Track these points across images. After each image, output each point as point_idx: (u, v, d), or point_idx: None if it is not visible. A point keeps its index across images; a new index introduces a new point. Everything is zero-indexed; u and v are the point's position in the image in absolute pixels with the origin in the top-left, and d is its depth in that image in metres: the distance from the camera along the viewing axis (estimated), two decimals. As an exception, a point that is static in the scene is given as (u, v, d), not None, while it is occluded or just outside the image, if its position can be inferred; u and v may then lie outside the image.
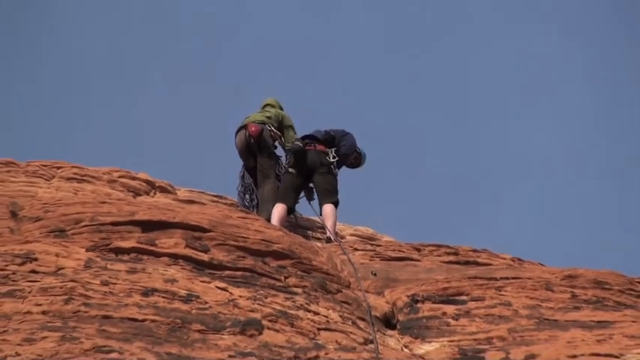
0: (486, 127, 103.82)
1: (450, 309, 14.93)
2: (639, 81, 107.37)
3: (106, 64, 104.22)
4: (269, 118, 20.93)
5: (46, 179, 20.07)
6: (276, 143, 21.11)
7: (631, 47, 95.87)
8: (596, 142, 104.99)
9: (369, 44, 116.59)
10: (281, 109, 21.36)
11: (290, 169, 20.17)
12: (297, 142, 20.21)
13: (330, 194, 19.76)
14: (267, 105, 21.46)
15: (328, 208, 19.42)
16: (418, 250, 19.38)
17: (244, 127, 20.96)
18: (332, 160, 20.22)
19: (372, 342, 13.44)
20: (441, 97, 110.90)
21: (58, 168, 20.70)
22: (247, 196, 21.37)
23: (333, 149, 20.34)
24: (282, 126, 21.03)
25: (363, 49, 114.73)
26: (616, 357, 13.32)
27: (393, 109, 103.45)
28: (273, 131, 20.66)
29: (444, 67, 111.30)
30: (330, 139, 20.51)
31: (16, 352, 12.15)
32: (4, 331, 12.59)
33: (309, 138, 20.36)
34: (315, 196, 20.67)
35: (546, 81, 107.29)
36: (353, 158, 21.40)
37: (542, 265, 18.21)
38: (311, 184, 20.53)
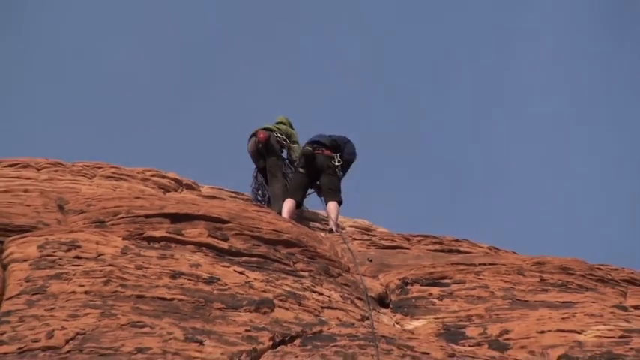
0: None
1: (435, 290, 14.97)
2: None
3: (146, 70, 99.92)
4: (278, 128, 21.01)
5: (88, 178, 20.05)
6: (283, 150, 21.18)
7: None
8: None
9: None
10: (291, 126, 21.41)
11: (300, 170, 20.20)
12: (307, 147, 20.27)
13: (335, 194, 19.83)
14: (280, 122, 21.52)
15: (332, 204, 19.48)
16: (408, 239, 19.37)
17: (255, 134, 21.11)
18: (337, 164, 20.28)
19: (368, 318, 13.44)
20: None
21: (99, 168, 20.68)
22: (260, 192, 21.40)
23: (338, 154, 20.38)
24: (290, 141, 21.12)
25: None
26: (578, 332, 13.34)
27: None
28: (280, 137, 20.71)
29: (435, 66, 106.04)
30: (336, 145, 20.57)
31: (62, 326, 12.16)
32: (52, 308, 12.59)
33: (317, 143, 20.40)
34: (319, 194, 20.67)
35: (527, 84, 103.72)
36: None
37: (515, 253, 18.19)
38: (317, 183, 20.53)
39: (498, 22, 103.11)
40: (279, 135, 20.65)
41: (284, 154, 21.52)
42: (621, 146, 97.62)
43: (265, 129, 20.84)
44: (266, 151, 20.42)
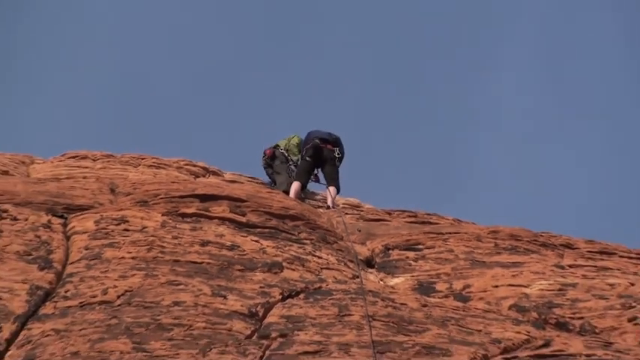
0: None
1: (411, 254, 14.97)
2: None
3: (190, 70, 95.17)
4: (286, 144, 21.13)
5: (134, 166, 20.03)
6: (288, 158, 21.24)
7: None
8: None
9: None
10: (296, 144, 21.40)
11: (307, 158, 20.22)
12: (316, 141, 20.34)
13: (335, 181, 19.88)
14: (288, 138, 21.58)
15: (332, 188, 19.51)
16: (389, 213, 19.33)
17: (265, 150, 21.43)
18: (337, 156, 20.36)
19: (358, 277, 13.44)
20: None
21: (142, 159, 20.64)
22: (269, 176, 21.46)
23: (337, 149, 20.44)
24: (289, 153, 21.22)
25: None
26: (525, 286, 13.36)
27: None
28: (282, 150, 20.83)
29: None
30: (336, 141, 20.64)
31: (114, 285, 12.19)
32: (106, 271, 12.60)
33: (323, 140, 20.47)
34: (321, 181, 20.66)
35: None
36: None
37: (474, 224, 18.16)
38: (320, 173, 20.55)
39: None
40: (283, 151, 20.77)
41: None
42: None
43: (274, 146, 21.04)
44: (271, 160, 20.58)
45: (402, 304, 12.52)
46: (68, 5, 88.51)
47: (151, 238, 13.69)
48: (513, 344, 11.35)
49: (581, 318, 12.41)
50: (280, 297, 12.46)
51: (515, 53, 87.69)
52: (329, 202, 19.44)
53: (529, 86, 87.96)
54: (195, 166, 20.97)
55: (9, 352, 11.03)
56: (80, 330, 11.25)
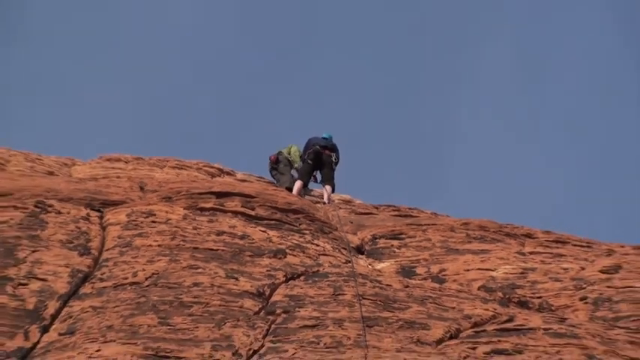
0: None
1: (395, 242, 14.95)
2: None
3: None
4: (288, 151, 21.08)
5: (160, 168, 20.04)
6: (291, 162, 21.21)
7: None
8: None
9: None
10: (297, 152, 21.34)
11: (309, 161, 20.22)
12: (317, 147, 20.34)
13: (331, 181, 19.88)
14: (289, 147, 21.50)
15: (328, 187, 19.53)
16: (376, 208, 19.34)
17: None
18: (334, 161, 20.38)
19: (349, 262, 13.40)
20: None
21: (167, 161, 20.65)
22: (274, 178, 21.44)
23: (334, 154, 20.45)
24: (291, 158, 21.18)
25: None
26: (492, 270, 13.34)
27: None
28: (287, 157, 20.78)
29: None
30: (333, 148, 20.64)
31: (143, 269, 12.16)
32: (136, 257, 12.57)
33: (323, 147, 20.47)
34: (320, 179, 20.64)
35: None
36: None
37: (449, 216, 18.15)
38: (319, 174, 20.52)
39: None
40: (287, 156, 20.76)
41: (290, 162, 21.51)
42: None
43: (277, 153, 21.01)
44: (275, 164, 20.55)
45: (387, 285, 12.50)
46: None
47: (174, 228, 13.67)
48: (482, 319, 11.32)
49: (540, 297, 12.39)
50: (284, 279, 12.45)
51: (492, 64, 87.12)
52: (325, 199, 19.42)
53: (506, 96, 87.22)
54: (212, 167, 20.95)
55: (53, 326, 11.00)
56: (114, 307, 11.23)
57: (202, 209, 14.85)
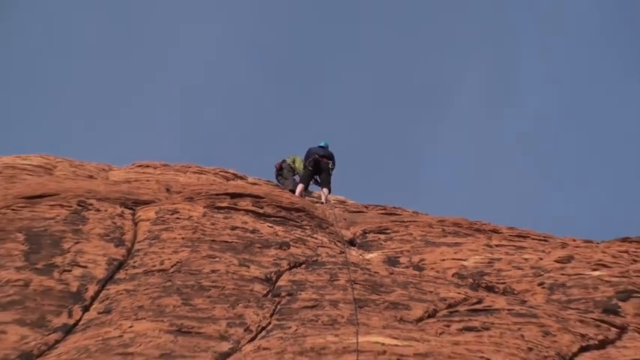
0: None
1: (382, 236, 15.00)
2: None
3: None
4: (291, 160, 21.03)
5: (183, 173, 20.08)
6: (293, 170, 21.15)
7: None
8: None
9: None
10: (300, 161, 21.23)
11: (309, 168, 20.24)
12: (316, 156, 20.36)
13: (327, 184, 19.89)
14: (292, 156, 21.43)
15: (325, 189, 19.56)
16: (366, 207, 19.39)
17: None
18: (331, 167, 20.38)
19: (343, 252, 13.44)
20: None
21: (189, 167, 20.69)
22: (280, 184, 21.42)
23: (330, 161, 20.46)
24: (295, 165, 21.14)
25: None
26: (464, 260, 13.35)
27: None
28: (290, 165, 20.76)
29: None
30: (329, 156, 20.65)
31: (168, 258, 12.20)
32: (162, 247, 12.62)
33: (321, 155, 20.49)
34: (317, 183, 20.67)
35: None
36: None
37: (427, 214, 18.19)
38: (318, 178, 20.52)
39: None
40: (290, 164, 20.74)
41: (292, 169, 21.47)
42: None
43: (282, 161, 20.98)
44: (280, 171, 20.54)
45: (375, 272, 12.52)
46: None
47: (195, 224, 13.71)
48: (455, 301, 11.35)
49: (504, 283, 12.43)
50: (288, 267, 12.48)
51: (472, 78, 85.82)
52: (323, 199, 19.47)
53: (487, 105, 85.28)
54: (227, 172, 21.01)
55: (93, 306, 11.05)
56: (144, 290, 11.27)
57: (219, 208, 14.89)
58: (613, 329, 10.83)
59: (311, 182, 20.57)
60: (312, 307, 11.00)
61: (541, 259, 13.34)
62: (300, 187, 19.83)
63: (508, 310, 11.04)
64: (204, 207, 14.74)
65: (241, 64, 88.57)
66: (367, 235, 15.21)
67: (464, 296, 11.59)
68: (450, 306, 11.21)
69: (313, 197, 20.10)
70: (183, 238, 13.06)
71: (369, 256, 14.00)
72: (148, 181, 17.85)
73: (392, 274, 12.54)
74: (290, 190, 19.02)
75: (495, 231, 15.73)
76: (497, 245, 14.34)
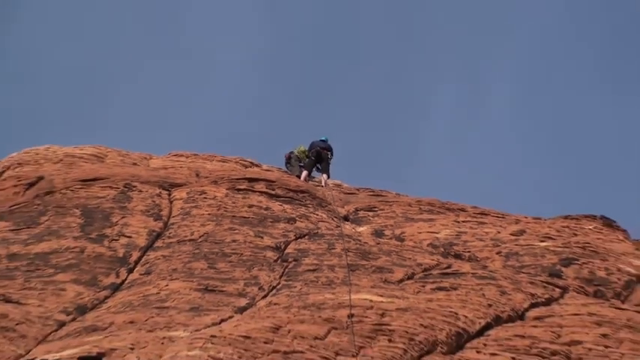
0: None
1: (370, 213, 14.93)
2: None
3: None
4: (298, 150, 20.75)
5: (209, 161, 19.90)
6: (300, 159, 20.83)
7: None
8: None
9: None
10: (303, 152, 20.94)
11: (312, 158, 20.07)
12: (318, 148, 20.19)
13: (327, 171, 19.70)
14: (300, 147, 21.17)
15: (325, 175, 19.38)
16: (358, 190, 19.26)
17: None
18: (330, 157, 20.22)
19: (339, 226, 13.41)
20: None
21: (215, 156, 20.44)
22: (289, 170, 21.26)
23: (329, 152, 20.30)
24: (302, 156, 20.81)
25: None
26: (437, 233, 13.30)
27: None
28: (297, 155, 20.53)
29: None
30: (329, 148, 20.49)
31: (197, 229, 12.21)
32: (192, 221, 12.63)
33: (322, 147, 20.31)
34: (318, 170, 20.55)
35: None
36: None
37: (407, 196, 18.10)
38: (319, 166, 20.34)
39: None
40: (298, 154, 20.52)
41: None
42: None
43: (290, 152, 20.75)
44: (288, 161, 20.34)
45: (364, 242, 12.51)
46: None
47: (219, 203, 13.69)
48: (429, 266, 11.34)
49: (469, 252, 12.40)
50: (294, 237, 12.46)
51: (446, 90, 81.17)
52: (323, 183, 19.39)
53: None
54: (245, 161, 20.87)
55: (136, 269, 11.04)
56: (177, 256, 11.26)
57: (238, 189, 14.85)
58: (557, 289, 10.82)
59: (313, 169, 20.50)
60: (314, 270, 11.00)
61: (499, 232, 13.32)
62: (304, 173, 19.75)
63: (472, 273, 11.02)
64: (226, 189, 14.72)
65: (254, 75, 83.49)
66: (358, 212, 15.16)
67: (436, 262, 11.58)
68: (425, 270, 11.20)
69: (315, 181, 20.05)
70: (209, 214, 13.05)
71: (359, 229, 13.96)
72: (181, 167, 17.82)
73: (378, 244, 12.53)
74: (296, 176, 18.95)
75: (462, 209, 15.68)
76: (463, 221, 14.31)
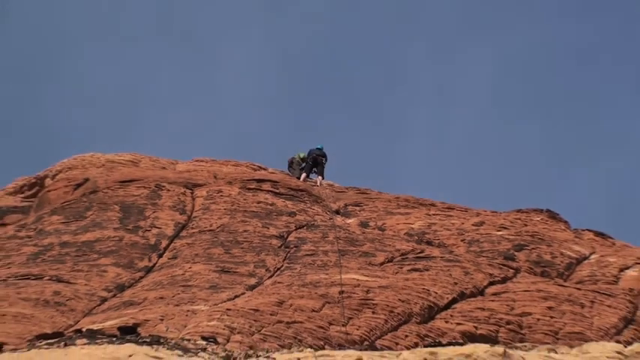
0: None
1: (357, 208, 14.75)
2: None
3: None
4: (298, 156, 20.44)
5: (225, 165, 19.56)
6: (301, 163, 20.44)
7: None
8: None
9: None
10: (302, 157, 20.65)
11: (310, 162, 19.83)
12: (315, 155, 19.91)
13: (322, 173, 19.37)
14: (300, 153, 20.87)
15: (320, 177, 19.03)
16: (347, 188, 19.05)
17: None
18: (324, 162, 19.93)
19: (331, 219, 13.35)
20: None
21: (229, 161, 20.08)
22: (291, 173, 20.99)
23: (324, 158, 20.03)
24: (301, 161, 20.47)
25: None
26: (412, 224, 13.12)
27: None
28: (297, 159, 20.24)
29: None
30: (324, 154, 20.23)
31: (215, 222, 12.12)
32: (211, 215, 12.52)
33: (319, 154, 20.07)
34: (314, 173, 20.36)
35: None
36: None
37: (388, 193, 17.98)
38: (315, 170, 20.11)
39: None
40: (299, 159, 20.25)
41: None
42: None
43: (292, 157, 20.49)
44: (290, 165, 20.06)
45: (352, 232, 12.45)
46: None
47: (233, 199, 13.56)
48: (406, 251, 11.30)
49: (439, 239, 12.33)
50: (295, 228, 12.37)
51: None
52: (318, 183, 19.25)
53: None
54: (254, 165, 20.68)
55: (165, 254, 10.99)
56: (199, 243, 11.21)
57: (249, 189, 14.69)
58: (510, 270, 10.83)
59: (311, 172, 20.38)
60: (311, 255, 10.98)
61: (463, 223, 13.27)
62: (303, 175, 19.59)
63: (441, 257, 11.01)
64: (239, 188, 14.60)
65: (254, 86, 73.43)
66: (347, 207, 15.05)
67: (412, 248, 11.55)
68: (402, 254, 11.18)
69: (312, 182, 20.00)
70: (225, 209, 12.97)
71: (348, 221, 13.87)
72: (201, 171, 17.68)
73: (364, 233, 12.48)
74: (297, 177, 18.85)
75: (433, 205, 15.57)
76: (433, 214, 14.23)
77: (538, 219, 13.47)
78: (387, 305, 8.88)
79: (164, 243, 11.36)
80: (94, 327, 7.60)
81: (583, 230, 13.22)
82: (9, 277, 9.89)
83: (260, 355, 5.93)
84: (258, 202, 13.65)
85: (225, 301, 8.82)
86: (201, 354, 6.35)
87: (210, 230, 11.84)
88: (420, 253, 11.26)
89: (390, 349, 7.82)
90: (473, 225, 13.00)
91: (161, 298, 9.08)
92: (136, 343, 6.52)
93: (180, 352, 6.31)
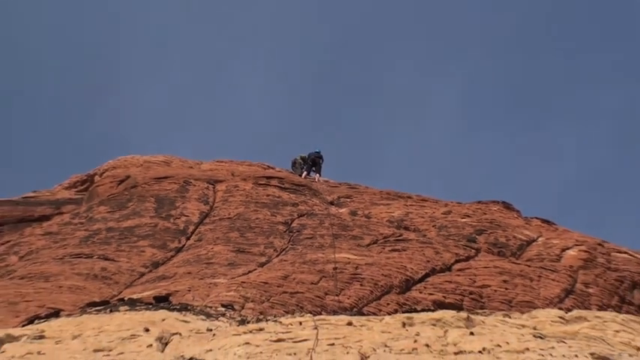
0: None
1: (348, 200, 14.63)
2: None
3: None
4: (300, 157, 20.30)
5: (240, 165, 19.37)
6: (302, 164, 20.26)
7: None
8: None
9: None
10: (303, 158, 20.43)
11: (309, 162, 19.73)
12: (313, 157, 19.80)
13: (319, 172, 19.32)
14: (301, 154, 20.74)
15: (318, 175, 18.98)
16: (340, 184, 19.04)
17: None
18: (321, 162, 19.83)
19: (327, 208, 13.31)
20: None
21: (244, 162, 20.09)
22: (294, 172, 20.85)
23: (321, 160, 19.92)
24: (302, 162, 20.27)
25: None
26: (393, 212, 13.03)
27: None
28: (299, 160, 20.09)
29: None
30: (321, 156, 20.12)
31: (232, 212, 12.06)
32: (229, 206, 12.46)
33: (317, 156, 19.96)
34: (313, 171, 20.26)
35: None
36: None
37: (373, 187, 17.92)
38: (314, 169, 19.99)
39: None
40: (300, 160, 20.10)
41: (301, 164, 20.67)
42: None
43: (295, 158, 20.33)
44: (293, 166, 19.90)
45: (344, 219, 12.41)
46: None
47: (247, 193, 13.55)
48: (387, 235, 11.28)
49: (414, 225, 12.31)
50: (297, 216, 12.34)
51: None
52: (316, 180, 19.21)
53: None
54: (264, 165, 20.65)
55: (192, 237, 10.93)
56: (219, 229, 11.17)
57: (260, 184, 14.68)
58: (473, 250, 10.79)
59: (310, 171, 20.29)
60: (310, 238, 10.95)
61: (434, 212, 13.26)
62: (304, 173, 19.59)
63: (416, 240, 10.98)
64: (252, 184, 14.59)
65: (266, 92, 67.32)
66: (340, 199, 15.02)
67: (392, 232, 11.53)
68: (384, 237, 11.16)
69: (311, 179, 19.95)
70: (240, 201, 12.95)
71: (341, 210, 13.85)
72: (221, 169, 17.65)
73: (353, 220, 12.46)
74: (299, 175, 18.82)
75: (409, 197, 15.57)
76: (410, 205, 14.22)
77: (495, 209, 13.47)
78: (372, 279, 8.85)
79: (191, 228, 11.32)
80: (134, 296, 7.57)
81: (532, 218, 13.22)
82: (65, 256, 9.88)
83: (269, 320, 5.93)
84: (268, 195, 13.63)
85: (240, 276, 8.78)
86: (221, 318, 6.35)
87: (228, 218, 11.81)
88: (399, 236, 11.24)
89: (374, 314, 7.79)
90: (442, 214, 13.01)
91: (188, 273, 9.05)
92: (168, 309, 6.50)
93: (203, 317, 6.31)
